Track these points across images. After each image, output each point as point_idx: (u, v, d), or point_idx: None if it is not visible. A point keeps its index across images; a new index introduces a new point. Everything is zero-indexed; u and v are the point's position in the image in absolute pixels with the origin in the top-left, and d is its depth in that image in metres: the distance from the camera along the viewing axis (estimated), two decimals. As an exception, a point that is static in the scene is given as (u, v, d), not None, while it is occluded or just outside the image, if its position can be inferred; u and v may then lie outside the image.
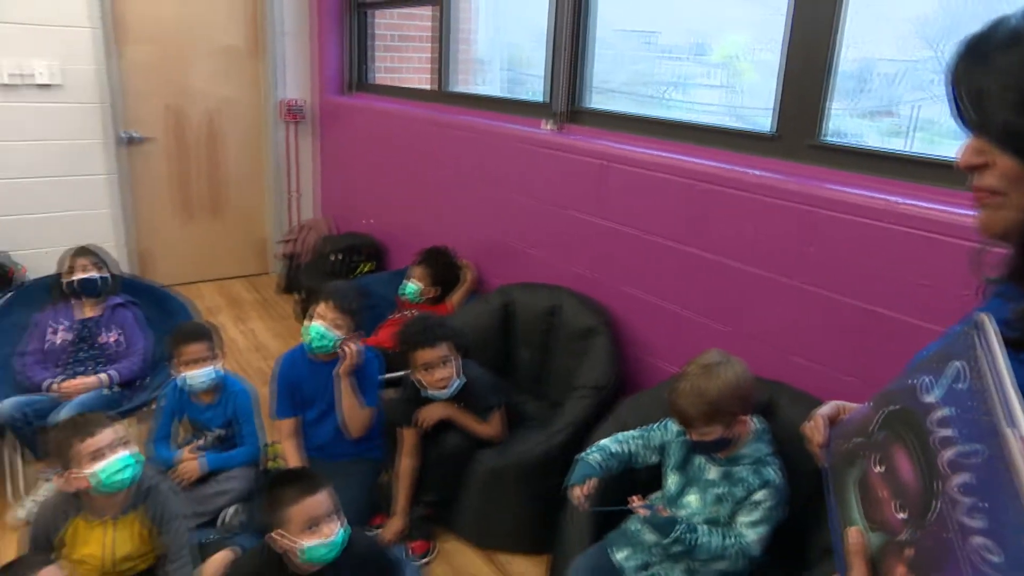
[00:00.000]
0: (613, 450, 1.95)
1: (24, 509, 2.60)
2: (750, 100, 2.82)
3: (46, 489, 2.62)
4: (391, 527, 2.50)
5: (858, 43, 2.15)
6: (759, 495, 1.79)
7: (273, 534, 1.72)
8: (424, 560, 2.46)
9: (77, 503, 1.98)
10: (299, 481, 1.78)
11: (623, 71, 3.23)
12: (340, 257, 4.35)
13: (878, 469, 0.79)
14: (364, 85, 5.05)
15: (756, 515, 1.78)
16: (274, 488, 1.77)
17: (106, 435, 1.92)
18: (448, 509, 2.57)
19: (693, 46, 3.17)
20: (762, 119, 2.43)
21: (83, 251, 2.92)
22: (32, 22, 4.24)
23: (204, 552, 2.11)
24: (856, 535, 0.80)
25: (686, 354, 2.08)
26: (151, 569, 2.07)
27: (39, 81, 4.35)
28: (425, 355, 2.43)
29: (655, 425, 2.01)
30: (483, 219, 3.52)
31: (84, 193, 4.67)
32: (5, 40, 4.19)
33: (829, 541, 1.81)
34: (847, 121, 2.27)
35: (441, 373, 2.43)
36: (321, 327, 2.50)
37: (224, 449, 2.58)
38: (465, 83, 4.24)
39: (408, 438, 2.51)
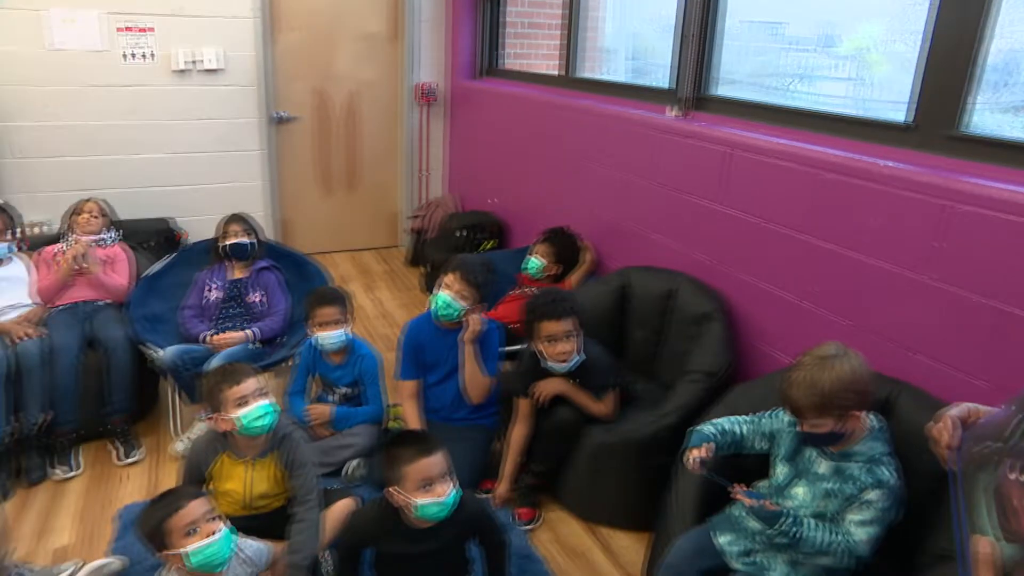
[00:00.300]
0: (725, 427, 1.97)
1: (181, 444, 2.92)
2: (880, 93, 2.71)
3: (199, 429, 2.93)
4: (498, 492, 2.62)
5: (1006, 34, 2.03)
6: (871, 494, 1.74)
7: (391, 489, 1.84)
8: (529, 526, 2.56)
9: (224, 442, 2.21)
10: (416, 442, 1.87)
11: (747, 62, 3.17)
12: (465, 233, 4.51)
13: (1016, 477, 0.75)
14: (494, 70, 5.19)
15: (867, 514, 1.74)
16: (393, 447, 1.88)
17: (250, 384, 2.13)
18: (555, 480, 2.66)
19: (821, 37, 3.07)
20: (892, 113, 2.34)
21: (236, 218, 3.21)
22: (204, 15, 4.67)
23: (328, 498, 2.29)
24: (986, 544, 0.76)
25: (801, 345, 2.06)
26: (283, 508, 2.28)
27: (206, 67, 4.77)
28: (550, 327, 2.47)
29: (767, 413, 2.00)
30: (604, 202, 3.57)
31: (239, 167, 5.09)
32: (182, 32, 4.65)
33: (943, 546, 1.78)
34: (988, 116, 2.15)
35: (563, 347, 2.47)
36: (448, 296, 2.62)
37: (350, 407, 2.78)
38: (592, 70, 4.28)
39: (522, 408, 2.60)
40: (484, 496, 2.63)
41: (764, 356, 2.71)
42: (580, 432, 2.54)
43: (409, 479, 1.80)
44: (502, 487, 2.62)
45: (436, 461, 1.82)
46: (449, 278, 2.66)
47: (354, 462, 2.67)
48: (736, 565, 1.88)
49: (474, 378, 2.66)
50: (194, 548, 1.70)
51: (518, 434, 2.60)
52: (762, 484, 2.01)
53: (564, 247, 3.48)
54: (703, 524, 2.01)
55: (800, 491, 1.87)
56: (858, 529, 1.74)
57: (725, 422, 1.98)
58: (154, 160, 4.89)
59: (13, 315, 2.97)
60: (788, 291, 2.57)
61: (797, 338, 2.53)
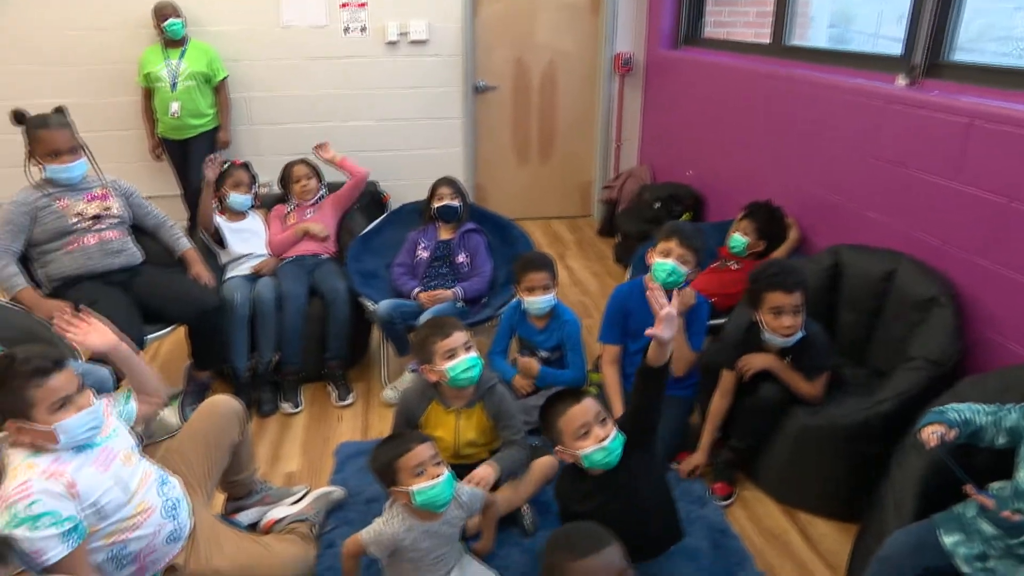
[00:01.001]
0: (967, 416, 1.81)
1: (390, 392, 3.15)
2: None
3: (407, 379, 3.13)
4: (691, 461, 2.61)
5: None
6: None
7: (556, 450, 1.90)
8: (724, 503, 2.52)
9: (433, 392, 2.34)
10: (561, 397, 1.90)
11: (971, 25, 2.84)
12: (660, 205, 4.45)
13: None
14: (695, 39, 5.03)
15: None
16: (542, 412, 1.93)
17: (458, 337, 2.24)
18: (753, 458, 2.59)
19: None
20: None
21: (446, 181, 3.36)
22: (414, -12, 4.91)
23: (532, 454, 2.39)
24: None
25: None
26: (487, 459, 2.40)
27: (414, 38, 5.03)
28: (777, 298, 2.36)
29: (1012, 406, 1.83)
30: (812, 177, 3.38)
31: (440, 134, 5.33)
32: (394, 5, 4.93)
33: None
34: None
35: (788, 320, 2.37)
36: (671, 263, 2.60)
37: (550, 370, 2.87)
38: (801, 38, 4.04)
39: (726, 380, 2.55)
40: (673, 467, 2.63)
41: (996, 347, 2.47)
42: (783, 411, 2.45)
43: (565, 432, 1.83)
44: (698, 457, 2.59)
45: (585, 408, 1.83)
46: (667, 245, 2.63)
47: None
48: (966, 569, 1.74)
49: (679, 351, 2.64)
50: (420, 488, 1.83)
51: (719, 407, 2.56)
52: (998, 485, 1.83)
53: (769, 223, 3.33)
54: (924, 520, 1.88)
55: (1048, 499, 1.70)
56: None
57: (965, 409, 1.83)
58: (363, 127, 5.23)
59: (252, 263, 3.31)
60: (1035, 278, 2.32)
61: (1042, 330, 2.28)
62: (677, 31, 5.12)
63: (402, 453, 1.84)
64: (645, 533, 1.51)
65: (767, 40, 4.06)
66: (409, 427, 2.40)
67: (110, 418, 1.85)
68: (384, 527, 1.89)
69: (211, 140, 4.72)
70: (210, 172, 3.27)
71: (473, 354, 2.24)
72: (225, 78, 4.69)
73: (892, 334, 2.62)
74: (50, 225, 2.77)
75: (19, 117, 2.77)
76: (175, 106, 4.48)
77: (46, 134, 2.73)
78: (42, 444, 1.65)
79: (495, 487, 2.26)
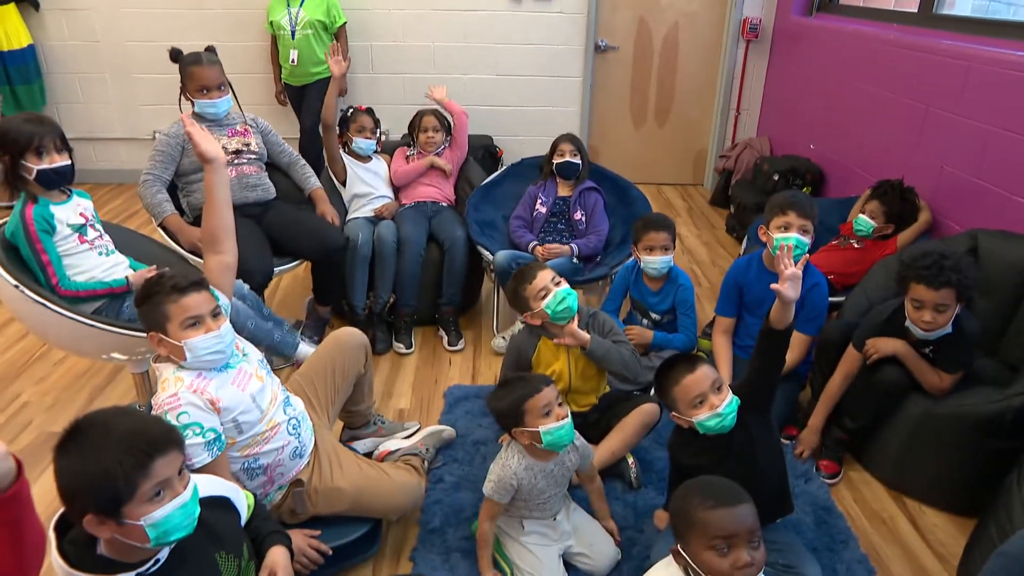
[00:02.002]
0: None
1: (500, 341, 3.23)
2: None
3: (517, 329, 3.20)
4: (803, 437, 2.57)
5: None
6: None
7: (672, 416, 1.90)
8: (831, 480, 2.48)
9: (540, 330, 2.38)
10: (677, 363, 1.88)
11: None
12: (779, 178, 4.32)
13: None
14: (830, 5, 4.81)
15: None
16: (657, 377, 1.92)
17: (544, 276, 2.27)
18: (863, 440, 2.53)
19: None
20: None
21: (569, 138, 3.36)
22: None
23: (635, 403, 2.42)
24: None
25: None
26: (594, 409, 2.44)
27: (539, -9, 4.99)
28: (920, 291, 2.23)
29: None
30: (953, 156, 3.20)
31: (558, 92, 5.31)
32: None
33: None
34: None
35: (927, 316, 2.23)
36: (795, 236, 2.54)
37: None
38: (950, 6, 3.79)
39: (851, 359, 2.48)
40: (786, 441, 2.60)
41: None
42: (904, 396, 2.37)
43: (681, 400, 1.83)
44: (807, 433, 2.56)
45: (702, 375, 1.82)
46: (786, 219, 2.56)
47: (658, 384, 2.76)
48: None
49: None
50: (547, 428, 1.88)
51: (837, 387, 2.50)
52: None
53: (898, 204, 3.19)
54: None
55: None
56: None
57: None
58: (481, 80, 5.27)
59: (375, 205, 3.43)
60: None
61: None
62: (812, -3, 4.90)
63: (531, 394, 1.88)
64: (757, 497, 1.50)
65: (913, 8, 3.84)
66: (520, 368, 2.44)
67: (241, 343, 1.98)
68: (502, 471, 1.94)
69: (327, 88, 4.85)
70: (335, 67, 3.30)
71: (564, 286, 2.28)
72: (344, 24, 4.79)
73: (1034, 327, 2.49)
74: (196, 157, 2.94)
75: (175, 55, 2.94)
76: (294, 54, 4.64)
77: (198, 70, 2.89)
78: (176, 359, 1.77)
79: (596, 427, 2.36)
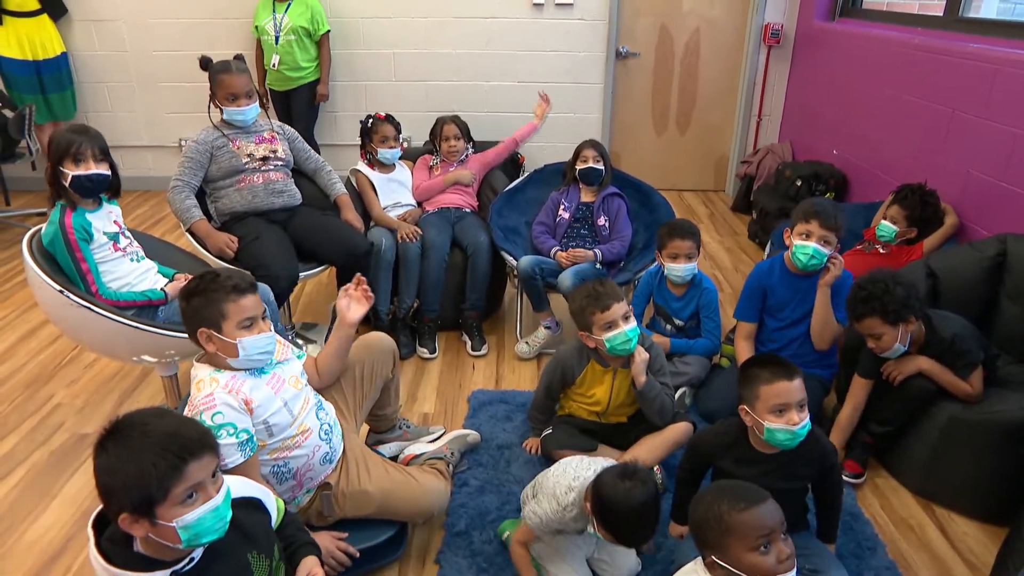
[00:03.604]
0: None
1: (524, 346, 3.24)
2: None
3: (542, 335, 3.21)
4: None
5: None
6: None
7: (742, 407, 1.86)
8: (855, 480, 2.47)
9: (591, 351, 2.38)
10: (777, 365, 1.84)
11: None
12: (802, 183, 4.31)
13: None
14: (853, 10, 4.79)
15: None
16: (752, 366, 1.88)
17: (618, 309, 2.26)
18: (890, 446, 2.52)
19: None
20: None
21: (591, 144, 3.36)
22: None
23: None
24: None
25: None
26: (626, 424, 2.46)
27: (559, 1, 5.02)
28: (859, 325, 2.34)
29: None
30: (980, 161, 3.17)
31: (579, 99, 5.33)
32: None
33: None
34: None
35: (872, 343, 2.32)
36: (812, 246, 2.55)
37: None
38: (976, 10, 3.76)
39: (858, 387, 2.48)
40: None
41: None
42: (932, 401, 2.36)
43: (763, 400, 1.80)
44: (833, 437, 2.53)
45: (795, 387, 1.79)
46: (808, 227, 2.56)
47: (683, 389, 2.76)
48: None
49: (826, 324, 2.59)
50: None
51: (847, 418, 2.51)
52: None
53: (921, 208, 3.17)
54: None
55: None
56: None
57: None
58: (503, 87, 5.30)
59: (398, 212, 3.46)
60: None
61: None
62: (834, 1, 4.88)
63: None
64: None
65: (939, 12, 3.82)
66: (564, 384, 2.46)
67: (283, 347, 2.01)
68: (555, 517, 1.90)
69: (311, 92, 4.94)
70: None
71: (632, 324, 2.27)
72: (327, 32, 4.85)
73: (1062, 332, 2.47)
74: (225, 164, 2.99)
75: (205, 63, 2.99)
76: (275, 59, 4.71)
77: (227, 78, 2.94)
78: (222, 358, 1.80)
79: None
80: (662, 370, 2.40)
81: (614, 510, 1.72)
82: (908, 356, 2.37)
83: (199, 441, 1.29)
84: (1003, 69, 3.05)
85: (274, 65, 4.73)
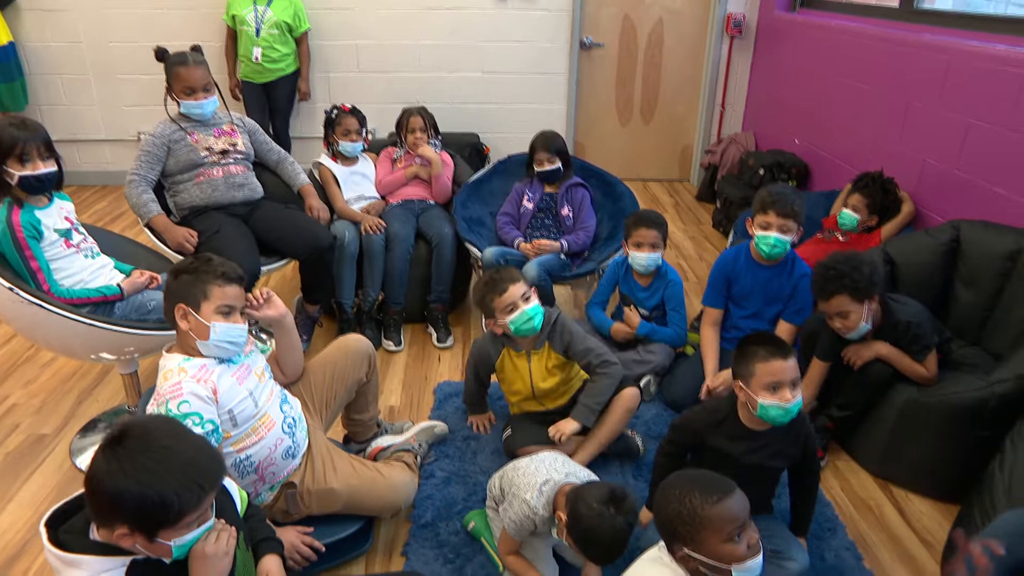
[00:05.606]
0: None
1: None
2: None
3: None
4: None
5: None
6: None
7: (737, 383, 1.88)
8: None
9: (504, 339, 2.42)
10: (773, 343, 1.87)
11: None
12: (765, 172, 4.36)
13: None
14: (813, 1, 4.85)
15: None
16: (749, 344, 1.89)
17: (515, 291, 2.29)
18: (849, 430, 2.57)
19: None
20: None
21: (543, 146, 3.29)
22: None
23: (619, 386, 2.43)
24: None
25: None
26: (572, 403, 2.45)
27: (524, -9, 5.01)
28: (819, 303, 2.38)
29: None
30: (936, 149, 3.24)
31: (543, 90, 5.33)
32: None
33: None
34: None
35: (838, 323, 2.35)
36: (773, 236, 2.58)
37: (649, 327, 2.89)
38: (931, 1, 3.84)
39: (816, 369, 2.52)
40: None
41: None
42: (890, 385, 2.41)
43: (757, 377, 1.82)
44: None
45: (790, 366, 1.82)
46: (766, 218, 2.60)
47: (648, 378, 2.78)
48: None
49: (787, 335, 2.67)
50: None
51: (808, 397, 2.53)
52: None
53: (881, 196, 3.23)
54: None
55: None
56: None
57: None
58: (467, 79, 5.28)
59: (362, 205, 3.43)
60: None
61: None
62: (795, -8, 4.94)
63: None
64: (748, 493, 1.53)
65: (895, 3, 3.89)
66: (487, 371, 2.51)
67: (250, 342, 2.00)
68: (526, 514, 1.89)
69: (291, 85, 4.90)
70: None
71: (532, 304, 2.30)
72: (307, 30, 4.81)
73: (1014, 315, 2.53)
74: (182, 157, 2.93)
75: (161, 54, 2.93)
76: (257, 52, 4.64)
77: (184, 71, 2.88)
78: (192, 340, 1.80)
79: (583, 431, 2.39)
80: (573, 339, 2.37)
81: (592, 533, 1.71)
82: (866, 342, 2.42)
83: (219, 473, 1.32)
84: (956, 59, 3.11)
85: (256, 58, 4.66)
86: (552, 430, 2.33)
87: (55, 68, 5.15)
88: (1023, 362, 2.24)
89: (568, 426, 2.33)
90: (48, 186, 2.36)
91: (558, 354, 2.39)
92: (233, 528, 1.45)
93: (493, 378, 2.56)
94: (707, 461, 1.93)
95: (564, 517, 1.79)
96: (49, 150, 2.34)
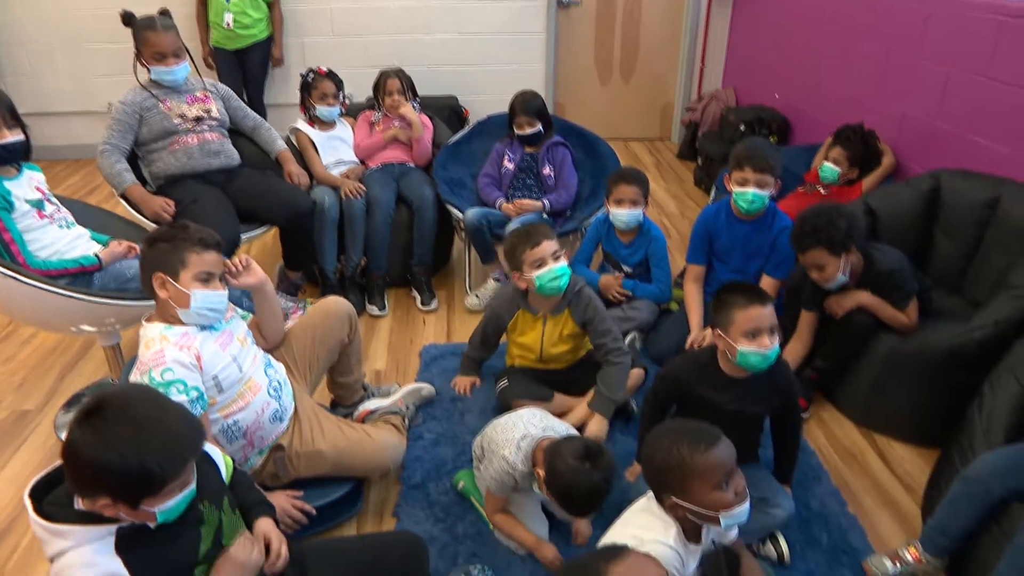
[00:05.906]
0: None
1: (474, 299, 3.23)
2: None
3: (491, 287, 3.21)
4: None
5: None
6: None
7: (715, 331, 1.89)
8: (801, 415, 2.54)
9: (521, 299, 2.41)
10: (750, 291, 1.87)
11: None
12: (745, 128, 4.35)
13: None
14: (794, -48, 4.79)
15: None
16: (726, 292, 1.90)
17: (547, 246, 2.27)
18: (833, 380, 2.60)
19: None
20: None
21: (522, 110, 3.24)
22: None
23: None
24: None
25: None
26: (577, 365, 2.47)
27: (499, -51, 4.91)
28: (798, 256, 2.40)
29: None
30: (915, 99, 3.24)
31: (522, 50, 5.26)
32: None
33: None
34: None
35: (816, 274, 2.37)
36: (750, 192, 2.58)
37: (633, 283, 2.90)
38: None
39: (806, 321, 2.53)
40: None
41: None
42: (872, 335, 2.43)
43: (736, 324, 1.83)
44: None
45: (767, 313, 1.83)
46: (742, 174, 2.60)
47: (633, 335, 2.79)
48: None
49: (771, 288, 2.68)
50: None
51: (795, 351, 2.55)
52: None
53: (862, 149, 3.23)
54: (1019, 443, 1.86)
55: None
56: None
57: None
58: (444, 40, 5.19)
59: (341, 169, 3.39)
60: None
61: None
62: (774, -56, 4.88)
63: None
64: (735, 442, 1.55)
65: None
66: (497, 333, 2.49)
67: (231, 308, 1.98)
68: (505, 471, 1.90)
69: (265, 51, 4.81)
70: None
71: (562, 263, 2.27)
72: None
73: (993, 264, 2.55)
74: (155, 125, 2.88)
75: (127, 18, 2.85)
76: (228, 17, 4.54)
77: (152, 36, 2.81)
78: (172, 309, 1.78)
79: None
80: (595, 317, 2.35)
81: (570, 489, 1.72)
82: (848, 291, 2.44)
83: (199, 441, 1.31)
84: (936, 10, 3.09)
85: (227, 24, 4.56)
86: (588, 435, 2.27)
87: (19, 38, 5.01)
88: (1001, 308, 2.27)
89: (598, 428, 2.31)
90: (16, 156, 2.31)
91: (575, 324, 2.37)
92: (261, 543, 1.48)
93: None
94: (691, 411, 1.95)
95: (543, 473, 1.80)
96: (15, 118, 2.29)
